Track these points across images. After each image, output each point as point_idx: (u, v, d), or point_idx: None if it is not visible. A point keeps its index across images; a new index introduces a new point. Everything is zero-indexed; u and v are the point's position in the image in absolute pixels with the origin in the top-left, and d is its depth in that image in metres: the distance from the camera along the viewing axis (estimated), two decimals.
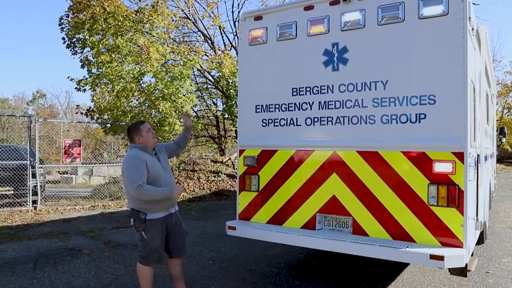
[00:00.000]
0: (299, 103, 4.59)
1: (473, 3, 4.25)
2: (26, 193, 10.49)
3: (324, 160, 4.42)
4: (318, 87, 4.47)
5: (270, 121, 4.81)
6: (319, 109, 4.46)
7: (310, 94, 4.52)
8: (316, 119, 4.49)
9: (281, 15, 4.74)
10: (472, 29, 4.10)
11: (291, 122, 4.66)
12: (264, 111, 4.85)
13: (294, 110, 4.63)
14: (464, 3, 3.69)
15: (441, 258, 3.49)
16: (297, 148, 4.60)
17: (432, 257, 3.53)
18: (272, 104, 4.79)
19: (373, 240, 3.99)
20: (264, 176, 4.80)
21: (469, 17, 3.76)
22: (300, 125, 4.59)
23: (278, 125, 4.75)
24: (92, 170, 21.50)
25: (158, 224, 3.84)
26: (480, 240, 6.13)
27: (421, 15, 3.87)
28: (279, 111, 4.74)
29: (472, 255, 4.23)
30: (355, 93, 4.23)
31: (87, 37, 12.94)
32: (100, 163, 17.66)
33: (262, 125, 4.86)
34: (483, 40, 5.00)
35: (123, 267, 5.60)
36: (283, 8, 4.85)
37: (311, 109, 4.52)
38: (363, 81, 4.18)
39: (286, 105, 4.69)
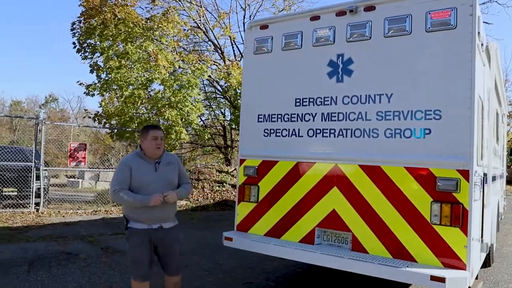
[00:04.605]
0: (302, 114, 4.50)
1: (486, 22, 4.16)
2: (29, 195, 10.50)
3: (325, 173, 4.31)
4: (321, 98, 4.38)
5: (272, 131, 4.72)
6: (322, 120, 4.37)
7: (313, 105, 4.43)
8: (318, 131, 4.39)
9: (287, 24, 4.69)
10: (482, 44, 4.00)
11: (293, 133, 4.56)
12: (266, 121, 4.76)
13: (297, 121, 4.54)
14: (472, 17, 3.59)
15: (442, 280, 3.34)
16: (298, 159, 4.49)
17: (433, 278, 3.39)
18: (275, 114, 4.70)
19: (372, 257, 3.85)
20: (264, 187, 4.70)
21: (478, 32, 3.66)
22: (302, 136, 4.50)
23: (280, 136, 4.66)
24: (98, 175, 21.53)
25: (138, 234, 3.66)
26: (487, 263, 5.93)
27: (429, 28, 3.78)
28: (281, 121, 4.65)
29: (476, 278, 4.06)
30: (359, 105, 4.13)
31: (97, 42, 13.08)
32: (106, 169, 17.69)
33: (264, 135, 4.77)
34: (493, 56, 4.89)
35: (118, 274, 5.50)
36: (289, 18, 4.81)
37: (313, 120, 4.42)
38: (367, 94, 4.09)
39: (288, 115, 4.60)
